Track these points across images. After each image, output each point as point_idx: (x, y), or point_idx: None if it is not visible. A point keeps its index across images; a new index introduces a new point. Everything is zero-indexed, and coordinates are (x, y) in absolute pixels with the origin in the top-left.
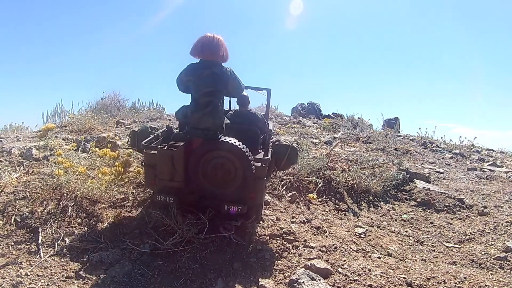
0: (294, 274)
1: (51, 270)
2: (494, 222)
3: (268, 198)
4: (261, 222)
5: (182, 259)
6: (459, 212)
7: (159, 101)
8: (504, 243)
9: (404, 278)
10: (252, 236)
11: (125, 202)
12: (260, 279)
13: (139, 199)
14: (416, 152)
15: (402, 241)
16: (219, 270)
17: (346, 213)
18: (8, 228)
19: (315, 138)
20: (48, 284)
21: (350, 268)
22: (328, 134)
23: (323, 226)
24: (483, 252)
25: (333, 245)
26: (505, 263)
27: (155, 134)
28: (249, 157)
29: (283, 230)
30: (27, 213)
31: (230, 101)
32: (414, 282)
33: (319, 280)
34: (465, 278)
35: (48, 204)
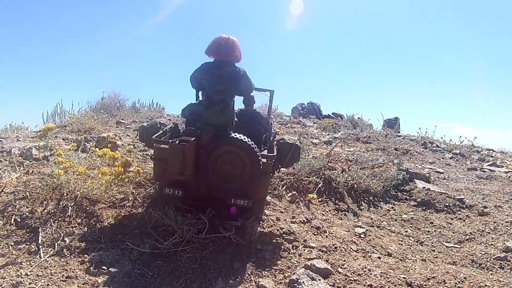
0: (294, 274)
1: (51, 270)
2: (494, 222)
3: (268, 198)
4: (261, 222)
5: (182, 259)
6: (459, 212)
7: (159, 101)
8: (504, 243)
9: (404, 278)
10: (252, 236)
11: (125, 202)
12: (260, 279)
13: (139, 199)
14: (416, 152)
15: (402, 241)
16: (219, 270)
17: (346, 213)
18: (8, 228)
19: (315, 138)
20: (48, 284)
21: (350, 268)
22: (328, 134)
23: (323, 226)
24: (483, 252)
25: (333, 245)
26: (505, 263)
27: (164, 129)
28: (258, 153)
29: (283, 230)
30: (27, 213)
31: (233, 100)
32: (414, 282)
33: (319, 280)
34: (465, 278)
35: (48, 204)
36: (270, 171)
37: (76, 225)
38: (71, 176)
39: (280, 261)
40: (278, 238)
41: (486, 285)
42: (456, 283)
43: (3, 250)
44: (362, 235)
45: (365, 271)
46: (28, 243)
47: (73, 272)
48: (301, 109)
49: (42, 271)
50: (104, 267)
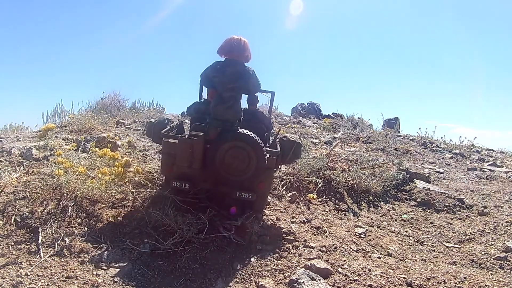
0: (294, 274)
1: (51, 270)
2: (494, 222)
3: (268, 198)
4: (261, 222)
5: (182, 259)
6: (459, 212)
7: (159, 101)
8: (504, 243)
9: (404, 278)
10: (252, 236)
11: (125, 202)
12: (260, 279)
13: (139, 199)
14: (416, 152)
15: (402, 241)
16: (219, 270)
17: (346, 213)
18: (8, 228)
19: (315, 138)
20: (48, 284)
21: (350, 268)
22: (328, 134)
23: (323, 226)
24: (483, 252)
25: (333, 245)
26: (505, 263)
27: (171, 125)
28: (263, 149)
29: (283, 230)
30: (27, 213)
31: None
32: (414, 282)
33: (319, 280)
34: (465, 278)
35: (48, 204)
36: (274, 166)
37: (76, 225)
38: (71, 176)
39: (280, 261)
40: (278, 238)
41: (486, 285)
42: (456, 283)
43: (3, 250)
44: (362, 235)
45: (365, 271)
46: (28, 243)
47: (73, 272)
48: (301, 109)
49: (42, 271)
50: (104, 267)
